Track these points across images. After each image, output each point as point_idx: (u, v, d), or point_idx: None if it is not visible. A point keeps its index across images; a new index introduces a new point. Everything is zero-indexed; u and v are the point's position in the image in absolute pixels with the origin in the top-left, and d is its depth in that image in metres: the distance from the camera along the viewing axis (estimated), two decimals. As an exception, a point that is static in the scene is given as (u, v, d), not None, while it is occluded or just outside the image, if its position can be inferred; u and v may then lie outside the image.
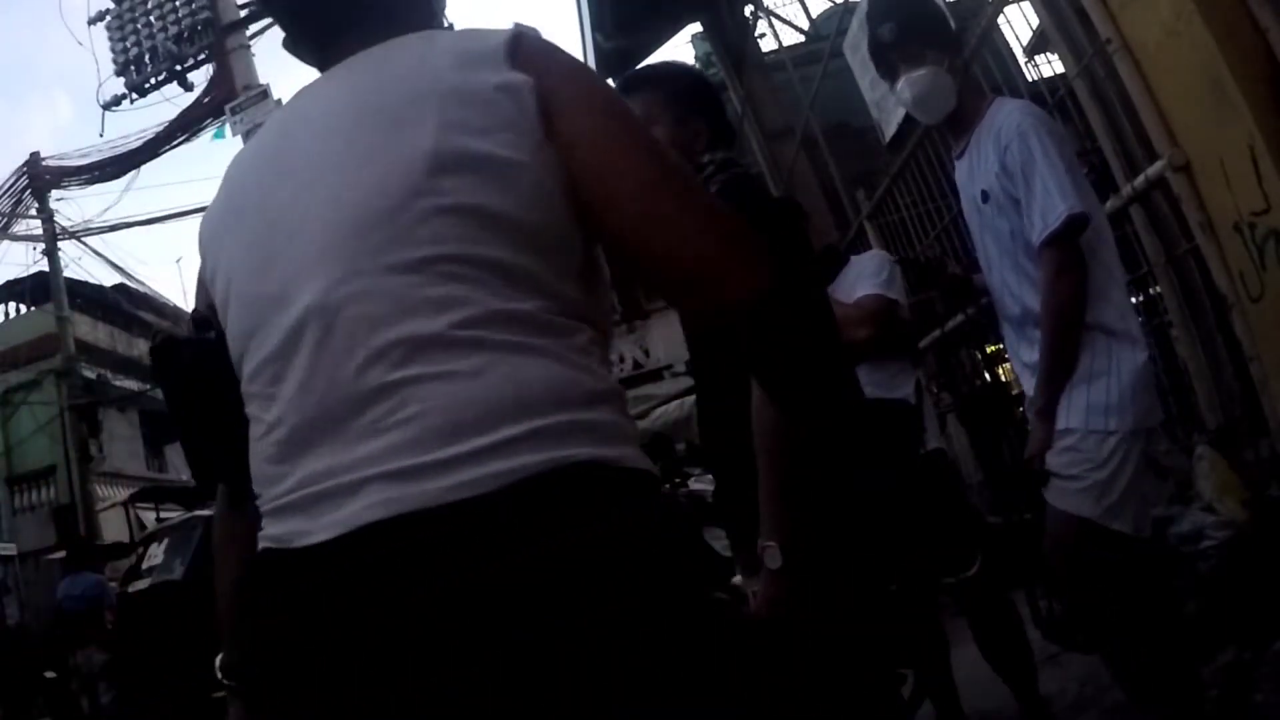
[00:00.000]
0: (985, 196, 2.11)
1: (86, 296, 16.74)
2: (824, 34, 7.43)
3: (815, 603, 1.42)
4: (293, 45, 1.10)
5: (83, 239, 14.89)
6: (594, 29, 7.00)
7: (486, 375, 0.84)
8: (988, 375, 4.23)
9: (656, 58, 7.16)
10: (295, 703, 0.83)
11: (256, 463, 0.93)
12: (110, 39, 13.81)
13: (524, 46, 0.93)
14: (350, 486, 0.83)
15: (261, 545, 0.92)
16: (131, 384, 16.31)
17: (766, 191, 1.77)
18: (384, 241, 0.87)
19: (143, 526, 12.64)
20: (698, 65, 9.42)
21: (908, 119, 5.14)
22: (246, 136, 10.53)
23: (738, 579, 1.69)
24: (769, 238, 1.52)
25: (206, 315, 1.08)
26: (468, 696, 0.77)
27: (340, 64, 1.00)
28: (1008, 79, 3.48)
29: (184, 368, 1.13)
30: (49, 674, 8.24)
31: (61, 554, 10.41)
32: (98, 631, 7.75)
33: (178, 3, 13.50)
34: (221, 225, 1.01)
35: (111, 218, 40.04)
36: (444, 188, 0.87)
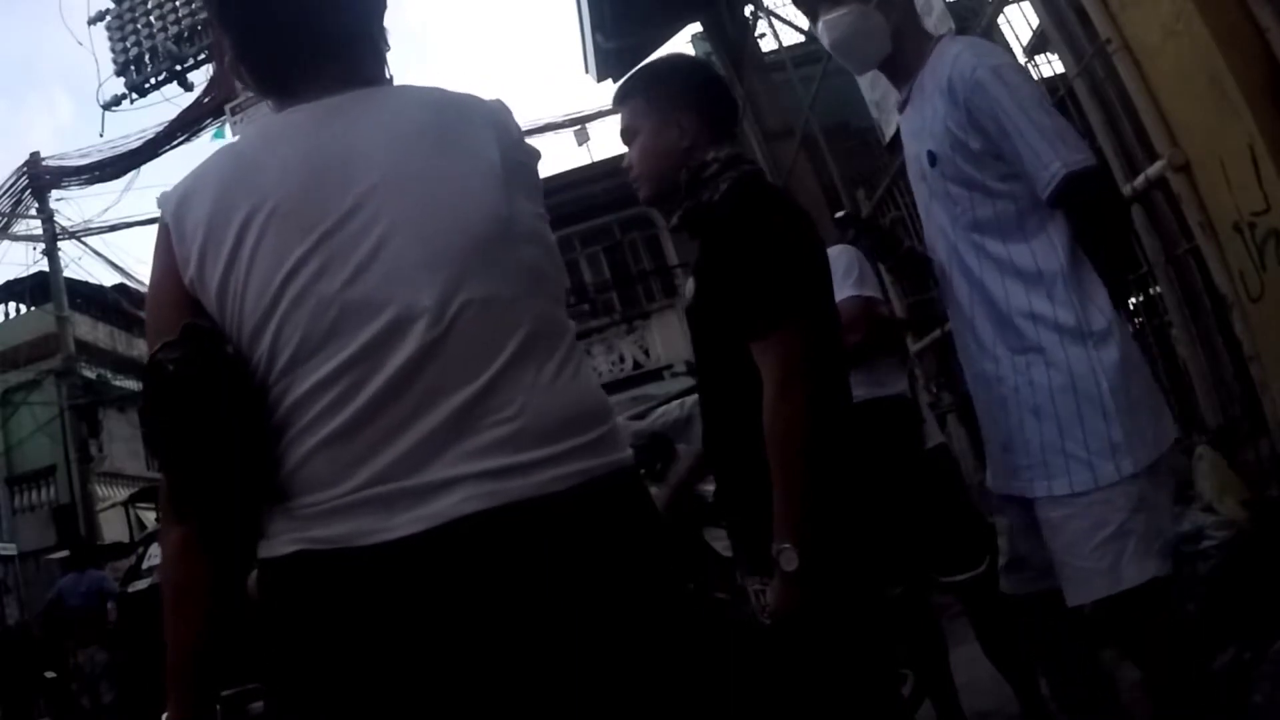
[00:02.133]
0: (932, 158, 1.74)
1: (86, 296, 16.72)
2: (824, 34, 7.41)
3: (826, 605, 1.42)
4: (259, 78, 1.11)
5: (83, 239, 14.87)
6: (594, 29, 6.99)
7: (570, 387, 1.00)
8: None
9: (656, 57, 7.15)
10: (393, 689, 0.89)
11: (303, 466, 0.94)
12: (110, 39, 13.82)
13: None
14: (441, 483, 0.91)
15: (293, 549, 0.93)
16: (131, 384, 16.29)
17: (778, 193, 1.68)
18: (491, 259, 0.98)
19: (143, 526, 12.65)
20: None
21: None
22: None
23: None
24: (778, 246, 1.51)
25: (205, 325, 0.97)
26: (576, 653, 0.90)
27: (347, 95, 1.05)
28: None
29: (217, 383, 0.94)
30: (49, 674, 8.24)
31: (63, 554, 10.40)
32: (99, 631, 7.74)
33: (178, 3, 13.50)
34: (253, 224, 0.96)
35: (111, 218, 40.04)
36: (518, 211, 1.02)
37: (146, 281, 1.12)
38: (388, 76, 1.14)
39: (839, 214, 2.19)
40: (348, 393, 0.93)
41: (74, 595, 8.03)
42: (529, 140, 1.13)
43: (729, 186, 1.59)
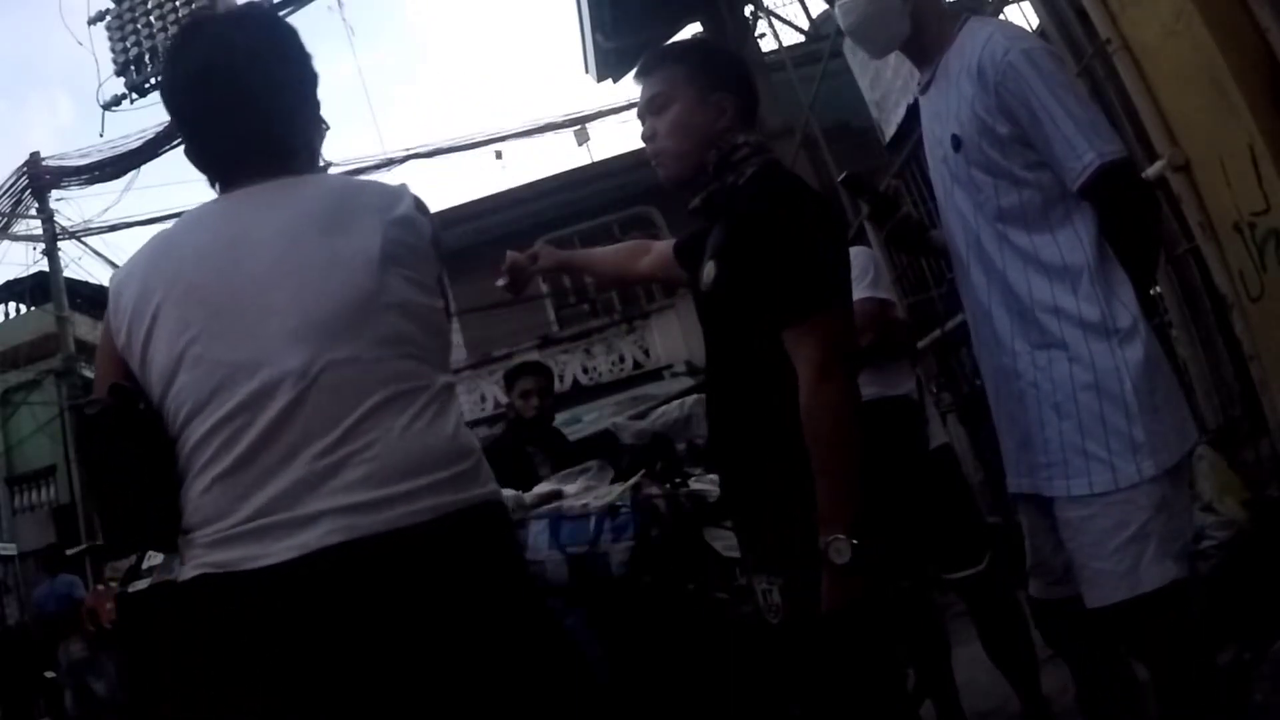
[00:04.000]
0: (957, 143, 1.68)
1: (86, 296, 16.71)
2: (824, 34, 7.43)
3: (873, 598, 1.39)
4: (205, 167, 1.32)
5: (83, 239, 14.85)
6: (594, 29, 7.01)
7: (425, 432, 1.16)
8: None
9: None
10: (263, 693, 1.05)
11: (201, 501, 1.13)
12: (110, 39, 13.79)
13: (423, 204, 1.31)
14: (309, 517, 1.08)
15: (198, 572, 1.11)
16: (131, 384, 16.24)
17: (803, 183, 1.64)
18: (354, 327, 1.17)
19: (143, 526, 12.63)
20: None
21: (908, 118, 5.14)
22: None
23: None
24: (815, 231, 1.50)
25: (129, 386, 1.20)
26: (430, 671, 1.08)
27: (263, 185, 1.25)
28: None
29: (132, 433, 1.18)
30: (49, 674, 8.24)
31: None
32: (76, 629, 7.78)
33: (178, 3, 13.49)
34: (167, 301, 1.18)
35: (111, 218, 40.01)
36: (389, 286, 1.20)
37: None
38: (319, 166, 1.39)
39: (842, 176, 2.16)
40: (231, 440, 1.12)
41: (50, 601, 8.14)
42: (424, 216, 1.31)
43: (755, 171, 1.57)
